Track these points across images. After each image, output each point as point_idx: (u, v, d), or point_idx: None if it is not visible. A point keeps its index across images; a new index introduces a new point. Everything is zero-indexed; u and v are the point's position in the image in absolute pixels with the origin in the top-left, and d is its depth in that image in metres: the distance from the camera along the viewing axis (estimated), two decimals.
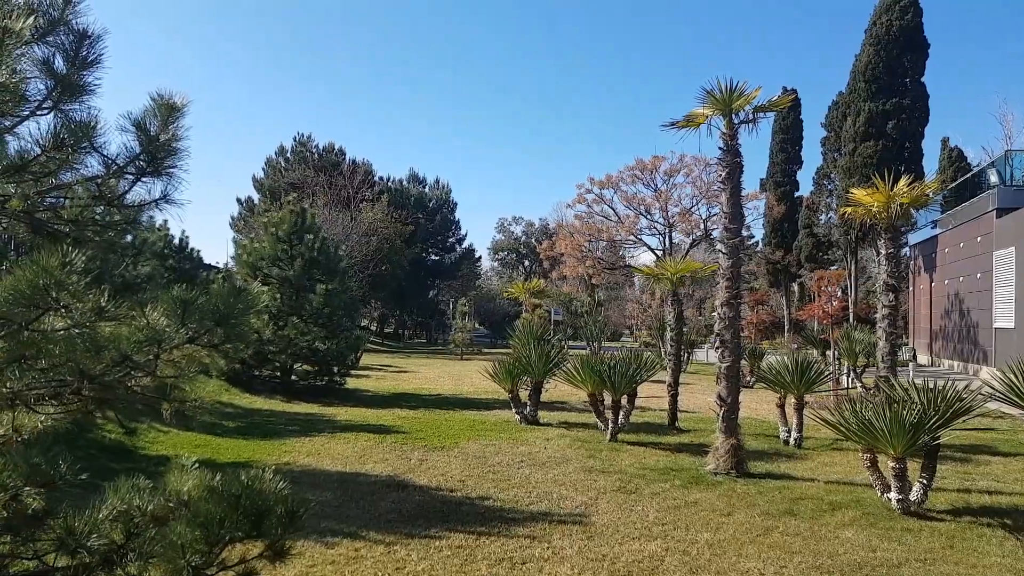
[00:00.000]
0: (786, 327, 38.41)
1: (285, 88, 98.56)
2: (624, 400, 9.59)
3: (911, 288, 29.41)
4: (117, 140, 2.33)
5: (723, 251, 7.82)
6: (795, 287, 41.59)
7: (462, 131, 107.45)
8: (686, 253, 32.51)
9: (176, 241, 18.32)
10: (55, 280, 1.90)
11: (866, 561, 4.86)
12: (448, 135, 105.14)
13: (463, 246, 48.48)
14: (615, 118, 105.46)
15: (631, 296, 41.68)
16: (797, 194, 40.22)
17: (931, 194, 9.59)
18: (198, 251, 19.27)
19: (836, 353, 15.68)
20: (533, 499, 6.34)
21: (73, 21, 2.21)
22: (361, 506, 5.99)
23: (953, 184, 26.94)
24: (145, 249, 13.54)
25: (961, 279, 22.27)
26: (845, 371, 15.49)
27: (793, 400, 9.29)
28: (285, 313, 13.57)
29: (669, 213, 32.15)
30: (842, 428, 6.27)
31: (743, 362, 14.13)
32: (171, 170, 2.43)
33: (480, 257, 55.13)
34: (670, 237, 32.85)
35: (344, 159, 39.31)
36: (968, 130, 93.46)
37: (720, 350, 7.75)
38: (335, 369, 14.21)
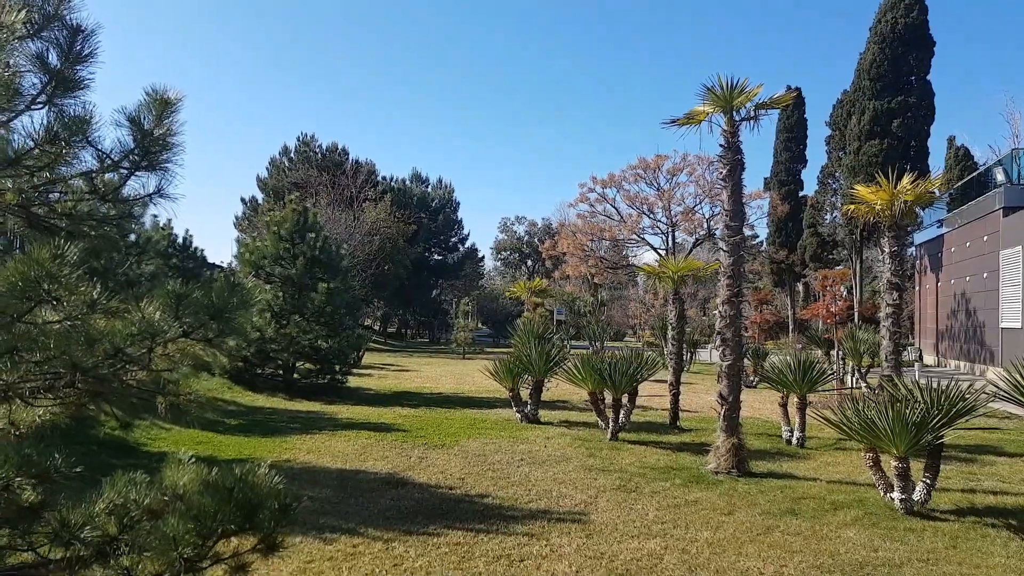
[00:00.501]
0: (790, 327, 38.31)
1: (287, 88, 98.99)
2: (625, 399, 9.58)
3: (917, 288, 29.26)
4: (112, 135, 2.34)
5: (724, 249, 7.79)
6: (799, 287, 41.44)
7: (464, 131, 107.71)
8: (689, 252, 32.43)
9: (180, 240, 18.41)
10: (47, 272, 1.90)
11: (867, 560, 4.83)
12: (450, 135, 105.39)
13: (466, 246, 48.61)
14: (618, 117, 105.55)
15: (634, 296, 41.67)
16: (801, 193, 40.09)
17: (935, 191, 9.53)
18: (202, 250, 19.38)
19: (840, 353, 15.62)
20: (532, 497, 6.33)
21: (67, 16, 2.22)
22: (360, 503, 6.00)
23: (959, 183, 26.76)
24: (149, 248, 13.63)
25: (967, 279, 22.13)
26: (849, 371, 15.43)
27: (796, 399, 9.26)
28: (287, 311, 13.60)
29: (672, 212, 32.02)
30: (845, 427, 6.24)
31: (747, 362, 14.10)
32: (165, 164, 2.44)
33: (483, 257, 55.26)
34: (673, 236, 32.75)
35: (347, 159, 39.41)
36: (975, 129, 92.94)
37: (721, 348, 7.73)
38: (337, 367, 14.24)
